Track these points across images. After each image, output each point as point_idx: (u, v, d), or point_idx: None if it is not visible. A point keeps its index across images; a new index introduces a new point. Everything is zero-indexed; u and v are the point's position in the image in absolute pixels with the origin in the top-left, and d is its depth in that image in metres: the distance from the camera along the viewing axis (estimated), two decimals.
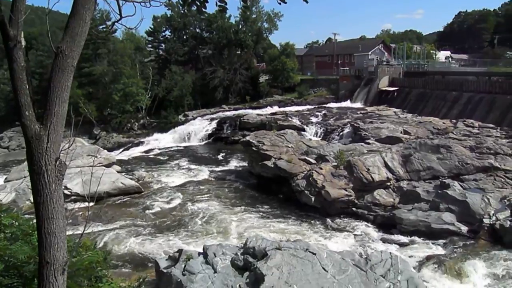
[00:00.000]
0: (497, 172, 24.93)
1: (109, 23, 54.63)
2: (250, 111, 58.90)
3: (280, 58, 73.25)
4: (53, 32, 64.01)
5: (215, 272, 13.04)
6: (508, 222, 18.87)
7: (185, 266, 13.48)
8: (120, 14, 4.35)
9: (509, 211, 20.46)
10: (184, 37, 77.26)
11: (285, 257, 12.66)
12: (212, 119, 54.16)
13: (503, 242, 18.49)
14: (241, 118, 50.61)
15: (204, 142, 50.00)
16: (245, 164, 36.11)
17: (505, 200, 21.63)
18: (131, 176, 31.94)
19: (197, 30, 78.56)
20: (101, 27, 60.58)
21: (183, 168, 36.69)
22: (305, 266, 12.35)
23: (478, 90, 47.64)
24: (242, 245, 14.43)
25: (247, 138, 33.44)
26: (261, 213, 24.83)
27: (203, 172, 34.85)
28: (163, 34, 78.08)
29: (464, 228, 20.04)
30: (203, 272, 13.03)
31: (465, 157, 26.02)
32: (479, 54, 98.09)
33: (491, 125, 38.63)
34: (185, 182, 31.81)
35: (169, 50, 73.42)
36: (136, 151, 46.84)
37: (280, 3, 5.19)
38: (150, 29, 76.57)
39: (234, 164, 38.31)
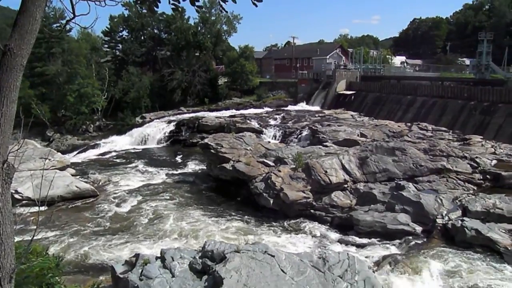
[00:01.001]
0: (450, 174, 25.80)
1: (63, 21, 53.01)
2: (208, 113, 58.76)
3: (239, 61, 73.24)
4: (3, 29, 61.80)
5: (173, 276, 12.86)
6: (460, 222, 19.52)
7: (142, 271, 13.21)
8: (74, 13, 4.21)
9: (461, 211, 21.20)
10: (142, 37, 75.96)
11: (243, 260, 12.62)
12: (170, 121, 53.59)
13: (454, 241, 19.10)
14: (200, 121, 50.26)
15: (162, 145, 49.38)
16: (203, 166, 35.88)
17: (457, 201, 22.40)
18: (86, 180, 31.17)
19: (155, 31, 77.47)
20: (54, 25, 58.77)
21: (140, 171, 36.09)
22: (263, 268, 12.35)
23: (431, 95, 49.25)
24: (201, 248, 14.28)
25: (206, 140, 33.26)
26: (219, 216, 24.71)
27: (161, 175, 34.40)
28: (120, 34, 76.44)
29: (418, 228, 20.58)
30: (161, 277, 12.82)
31: (419, 159, 26.77)
32: (433, 60, 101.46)
33: (443, 128, 40.02)
34: (142, 185, 31.29)
35: (126, 50, 72.01)
36: (91, 154, 45.70)
37: (255, 4, 5.10)
38: (107, 29, 74.88)
39: (192, 166, 37.99)
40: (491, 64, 62.20)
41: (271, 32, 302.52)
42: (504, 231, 19.14)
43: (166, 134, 50.51)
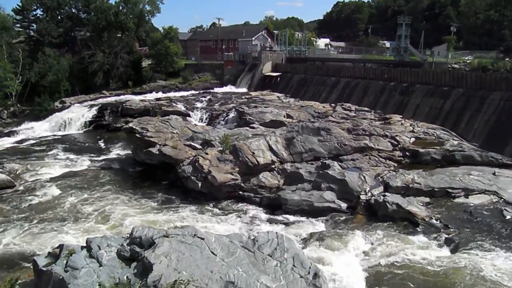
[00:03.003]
0: (372, 152, 26.90)
1: None
2: (133, 96, 56.95)
3: (164, 42, 71.47)
4: None
5: (100, 265, 12.42)
6: (382, 197, 20.47)
7: (67, 262, 12.63)
8: None
9: (382, 187, 22.27)
10: (59, 17, 71.70)
11: (173, 244, 12.45)
12: (92, 106, 51.31)
13: (377, 215, 20.05)
14: (124, 104, 48.60)
15: (83, 130, 47.33)
16: (128, 151, 34.86)
17: (379, 177, 23.48)
18: (1, 170, 29.21)
19: (73, 10, 73.50)
20: None
21: (61, 159, 34.38)
22: (193, 251, 12.25)
23: (354, 76, 50.90)
24: (128, 235, 13.89)
25: (130, 124, 32.34)
26: (147, 201, 24.19)
27: (84, 162, 33.01)
28: (34, 13, 71.69)
29: (343, 205, 21.38)
30: (87, 267, 12.34)
31: (343, 139, 27.64)
32: (355, 42, 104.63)
33: (366, 108, 41.59)
34: (64, 173, 29.82)
35: (42, 31, 67.60)
36: (6, 142, 42.78)
37: None
38: (18, 7, 69.94)
39: (117, 152, 36.81)
40: (409, 47, 65.19)
41: (196, 13, 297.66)
42: (421, 204, 20.38)
43: (88, 119, 48.39)
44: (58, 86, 60.71)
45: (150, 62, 74.80)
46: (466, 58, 67.06)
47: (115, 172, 30.04)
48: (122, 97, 57.55)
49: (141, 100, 50.81)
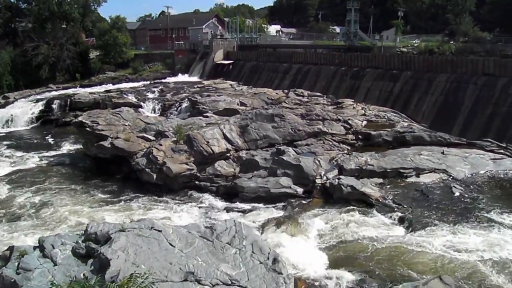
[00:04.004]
0: (326, 136, 27.24)
1: None
2: (81, 89, 55.53)
3: (111, 33, 69.66)
4: None
5: (55, 264, 12.02)
6: (337, 181, 20.79)
7: (18, 263, 12.14)
8: None
9: (337, 170, 22.60)
10: None
11: (130, 238, 12.21)
12: (38, 100, 49.37)
13: (333, 198, 20.38)
14: (72, 98, 47.05)
15: (30, 126, 45.50)
16: (79, 146, 33.87)
17: (333, 161, 23.82)
18: None
19: (12, 0, 70.36)
20: None
21: (7, 156, 32.89)
22: (151, 244, 12.07)
23: (306, 62, 51.41)
24: (83, 232, 13.51)
25: (80, 118, 31.32)
26: (101, 196, 23.65)
27: (32, 159, 31.76)
28: None
29: (300, 190, 21.58)
30: (41, 267, 11.91)
31: (297, 124, 27.85)
32: (306, 28, 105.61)
33: (318, 94, 42.12)
34: (10, 171, 28.57)
35: None
36: None
37: None
38: None
39: (67, 147, 35.64)
40: (359, 31, 66.36)
41: (144, 2, 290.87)
42: (375, 185, 20.86)
43: (35, 114, 46.50)
44: (0, 81, 58.14)
45: (98, 53, 72.77)
46: (414, 41, 69.16)
47: (66, 168, 29.13)
48: (70, 90, 55.88)
49: (90, 93, 49.46)
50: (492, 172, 21.31)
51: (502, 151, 23.93)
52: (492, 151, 23.96)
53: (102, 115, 31.36)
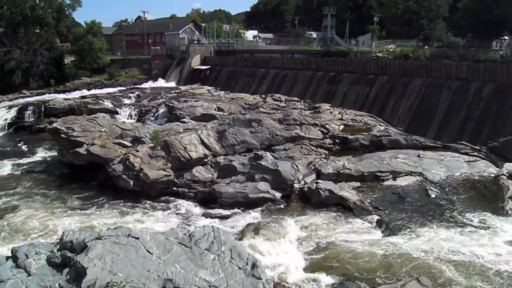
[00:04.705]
0: (303, 141, 27.37)
1: None
2: (56, 95, 54.60)
3: (87, 38, 68.93)
4: None
5: (29, 275, 11.72)
6: (315, 185, 20.91)
7: None
8: None
9: (315, 174, 22.73)
10: None
11: (107, 246, 12.00)
12: (10, 107, 48.36)
13: (311, 202, 20.47)
14: (47, 104, 46.20)
15: (3, 133, 44.51)
16: (54, 153, 33.19)
17: (311, 165, 23.94)
18: None
19: None
20: None
21: None
22: (128, 252, 11.90)
23: (283, 67, 51.70)
24: (58, 240, 13.23)
25: (54, 125, 30.75)
26: (77, 204, 23.24)
27: (5, 167, 31.00)
28: None
29: (278, 194, 21.60)
30: (14, 278, 11.60)
31: (275, 129, 27.91)
32: (283, 34, 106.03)
33: (296, 98, 42.34)
34: None
35: None
36: None
37: None
38: None
39: (42, 154, 34.94)
40: (335, 37, 67.04)
41: (121, 7, 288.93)
42: (353, 188, 21.02)
43: (8, 121, 45.45)
44: None
45: (73, 59, 71.90)
46: (389, 46, 70.20)
47: (41, 175, 28.57)
48: (44, 96, 55.06)
49: (65, 99, 48.64)
50: (467, 174, 21.69)
51: (476, 153, 24.38)
52: (466, 153, 24.40)
53: (78, 122, 30.90)
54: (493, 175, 21.02)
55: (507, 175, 20.20)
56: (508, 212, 17.64)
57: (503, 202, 18.43)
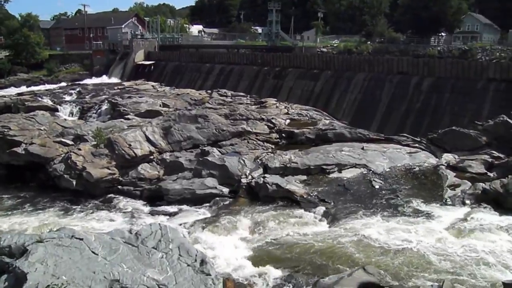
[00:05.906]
0: (250, 136, 27.45)
1: None
2: None
3: (22, 31, 65.99)
4: None
5: None
6: (262, 179, 20.99)
7: None
8: None
9: (262, 169, 22.84)
10: None
11: (49, 249, 11.52)
12: None
13: (259, 197, 20.54)
14: None
15: None
16: None
17: (258, 160, 24.04)
18: None
19: None
20: None
21: None
22: (72, 254, 11.48)
23: (228, 62, 51.62)
24: None
25: None
26: (15, 206, 22.19)
27: None
28: None
29: (225, 190, 21.54)
30: None
31: (221, 125, 27.81)
32: (228, 28, 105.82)
33: (242, 93, 42.40)
34: None
35: None
36: None
37: None
38: None
39: None
40: (280, 32, 67.57)
41: (59, 0, 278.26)
42: (299, 182, 21.27)
43: None
44: None
45: (7, 54, 68.60)
46: (333, 42, 71.63)
47: None
48: None
49: (1, 96, 46.40)
50: (409, 165, 22.51)
51: (417, 145, 25.36)
52: (408, 145, 25.33)
53: (14, 120, 29.55)
54: (433, 165, 21.93)
55: (445, 165, 21.21)
56: (447, 200, 18.47)
57: (442, 190, 19.37)
